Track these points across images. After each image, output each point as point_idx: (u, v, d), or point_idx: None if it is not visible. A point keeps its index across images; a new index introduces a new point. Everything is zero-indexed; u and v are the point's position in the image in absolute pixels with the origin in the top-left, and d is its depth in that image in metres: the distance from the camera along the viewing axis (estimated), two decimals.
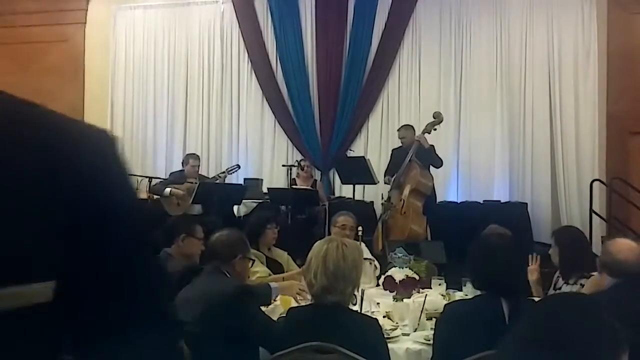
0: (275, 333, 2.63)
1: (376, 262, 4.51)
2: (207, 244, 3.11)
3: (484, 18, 8.05)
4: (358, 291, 2.75)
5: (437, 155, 6.76)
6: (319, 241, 2.64)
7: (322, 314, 2.51)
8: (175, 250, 3.60)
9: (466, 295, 3.95)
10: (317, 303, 2.59)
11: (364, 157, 7.47)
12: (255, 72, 8.61)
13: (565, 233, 3.97)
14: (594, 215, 7.13)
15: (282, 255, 4.66)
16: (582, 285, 3.54)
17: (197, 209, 7.00)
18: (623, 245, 2.90)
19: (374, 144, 8.30)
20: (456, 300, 3.21)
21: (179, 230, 3.64)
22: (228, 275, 2.97)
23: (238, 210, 7.47)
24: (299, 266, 4.65)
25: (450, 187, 7.90)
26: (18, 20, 9.09)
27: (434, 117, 6.81)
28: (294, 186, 7.26)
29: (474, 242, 2.76)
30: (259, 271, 4.21)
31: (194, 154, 7.64)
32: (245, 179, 7.95)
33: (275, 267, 4.42)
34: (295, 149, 8.47)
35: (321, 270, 2.44)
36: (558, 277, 3.82)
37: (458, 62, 8.08)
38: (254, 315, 2.75)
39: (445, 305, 2.75)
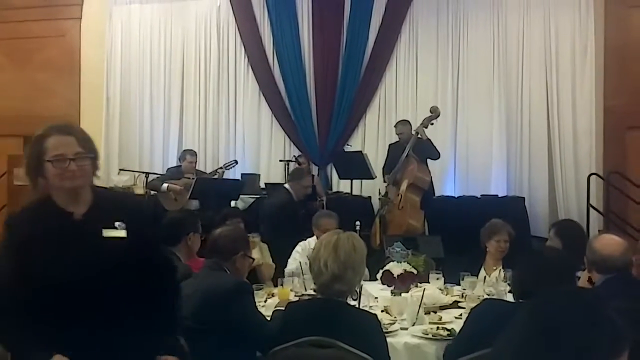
0: (268, 334, 2.63)
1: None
2: (209, 239, 3.07)
3: (481, 12, 8.03)
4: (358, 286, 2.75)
5: (434, 147, 6.77)
6: (326, 234, 2.67)
7: (321, 309, 2.51)
8: (182, 248, 3.54)
9: (464, 289, 3.97)
10: (316, 298, 2.59)
11: (361, 151, 7.47)
12: (252, 67, 8.59)
13: (567, 227, 3.96)
14: (591, 209, 7.15)
15: (254, 244, 4.55)
16: (578, 278, 3.55)
17: (195, 204, 6.99)
18: (607, 241, 2.89)
19: (372, 138, 8.29)
20: (497, 299, 3.19)
21: (187, 229, 3.55)
22: (227, 271, 2.96)
23: (236, 205, 7.46)
24: (274, 257, 4.64)
25: (447, 182, 7.90)
26: (13, 15, 9.05)
27: (431, 112, 6.82)
28: None
29: (524, 252, 2.72)
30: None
31: (191, 149, 7.62)
32: (242, 174, 7.94)
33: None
34: (292, 144, 8.46)
35: (332, 259, 2.46)
36: None
37: (455, 56, 8.07)
38: (249, 312, 2.75)
39: (485, 299, 2.72)
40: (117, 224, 2.04)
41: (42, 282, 1.93)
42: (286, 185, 6.25)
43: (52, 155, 1.96)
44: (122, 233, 2.03)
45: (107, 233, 2.02)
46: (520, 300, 2.47)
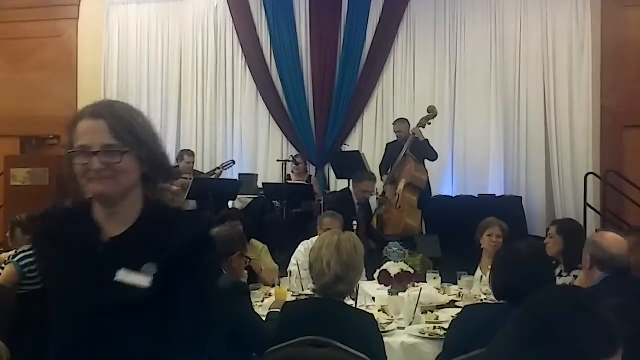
0: (264, 335, 2.62)
1: None
2: None
3: (478, 12, 8.04)
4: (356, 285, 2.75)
5: (431, 148, 6.78)
6: (324, 233, 2.67)
7: (318, 309, 2.51)
8: (227, 268, 3.53)
9: (461, 288, 3.98)
10: (313, 297, 2.60)
11: (358, 151, 7.47)
12: (249, 67, 8.59)
13: (569, 226, 3.96)
14: (588, 208, 7.16)
15: (255, 248, 4.57)
16: (575, 277, 3.56)
17: (192, 204, 6.99)
18: (614, 240, 2.91)
19: (369, 138, 8.29)
20: (477, 304, 3.19)
21: (234, 249, 3.55)
22: (224, 271, 2.96)
23: (233, 205, 7.47)
24: (275, 258, 4.64)
25: (444, 181, 7.91)
26: (10, 15, 9.03)
27: (428, 111, 6.83)
28: (288, 181, 7.26)
29: (500, 250, 2.72)
30: None
31: (189, 149, 7.62)
32: (239, 174, 7.93)
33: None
34: (289, 143, 8.46)
35: (335, 260, 2.46)
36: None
37: (452, 56, 8.07)
38: (245, 313, 2.74)
39: (465, 306, 2.72)
40: (145, 265, 1.39)
41: (49, 310, 1.50)
42: (350, 187, 6.25)
43: (76, 146, 1.43)
44: (141, 281, 1.38)
45: (122, 276, 1.39)
46: (501, 301, 2.46)
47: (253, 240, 4.59)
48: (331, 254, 2.47)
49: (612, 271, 2.83)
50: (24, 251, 4.00)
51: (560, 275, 3.70)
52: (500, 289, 2.47)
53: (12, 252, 4.17)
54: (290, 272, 4.26)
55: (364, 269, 4.06)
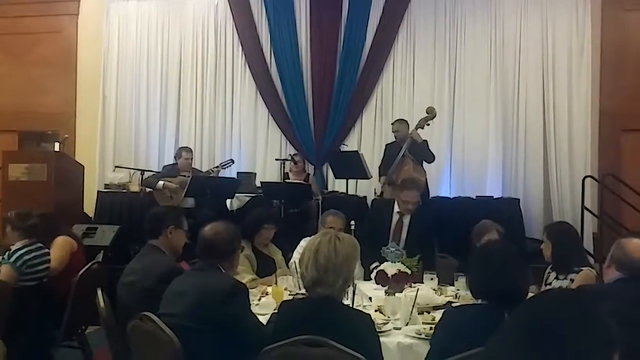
0: (261, 336, 2.62)
1: None
2: (203, 237, 3.00)
3: (479, 14, 8.05)
4: (351, 285, 2.74)
5: (429, 150, 6.78)
6: (314, 235, 2.67)
7: (315, 308, 2.50)
8: (163, 241, 3.49)
9: (458, 290, 3.98)
10: (310, 297, 2.59)
11: (357, 151, 7.47)
12: (249, 66, 8.59)
13: (557, 228, 4.00)
14: (585, 211, 7.16)
15: (276, 254, 4.62)
16: (572, 281, 3.57)
17: (190, 202, 6.99)
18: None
19: (368, 138, 8.30)
20: (456, 307, 3.19)
21: (168, 222, 3.52)
22: (222, 269, 2.95)
23: (231, 203, 7.47)
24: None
25: (443, 183, 7.92)
26: (10, 10, 9.03)
27: (427, 113, 6.82)
28: (287, 180, 7.26)
29: (473, 251, 2.73)
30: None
31: (187, 147, 7.61)
32: (238, 173, 7.93)
33: (267, 264, 4.41)
34: (288, 143, 8.46)
35: (312, 263, 2.47)
36: (549, 273, 3.84)
37: (452, 58, 8.09)
38: (243, 314, 2.74)
39: (445, 310, 2.74)
40: None
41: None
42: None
43: None
44: None
45: None
46: (479, 301, 2.48)
47: (273, 247, 4.63)
48: (309, 258, 2.49)
49: (628, 274, 2.87)
50: (18, 249, 3.97)
51: (557, 278, 3.71)
52: (477, 290, 2.50)
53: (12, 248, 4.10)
54: (294, 263, 4.25)
55: (361, 270, 4.09)
